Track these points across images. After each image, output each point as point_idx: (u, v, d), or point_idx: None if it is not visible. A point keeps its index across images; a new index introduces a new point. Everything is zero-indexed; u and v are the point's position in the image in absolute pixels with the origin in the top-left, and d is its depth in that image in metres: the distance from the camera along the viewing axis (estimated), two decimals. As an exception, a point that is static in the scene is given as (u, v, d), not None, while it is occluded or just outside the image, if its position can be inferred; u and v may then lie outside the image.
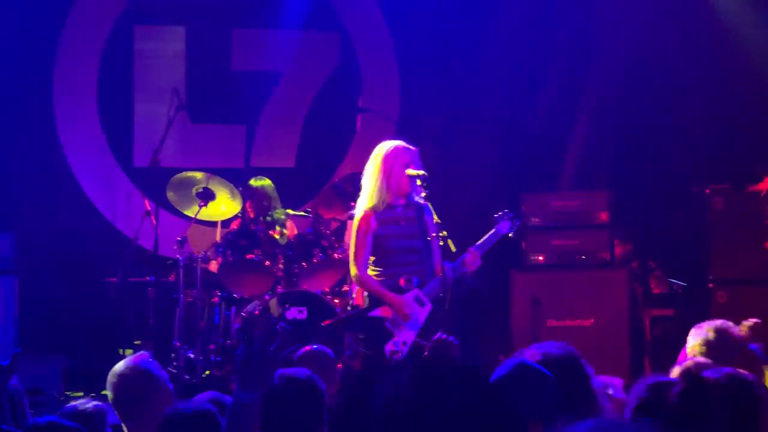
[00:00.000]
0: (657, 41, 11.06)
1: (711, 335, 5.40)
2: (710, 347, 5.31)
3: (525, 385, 3.47)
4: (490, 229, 7.50)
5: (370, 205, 7.36)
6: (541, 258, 9.76)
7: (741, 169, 10.60)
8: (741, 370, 4.06)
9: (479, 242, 7.42)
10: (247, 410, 3.56)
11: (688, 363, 4.28)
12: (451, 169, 10.93)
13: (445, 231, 7.29)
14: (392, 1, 11.87)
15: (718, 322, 5.55)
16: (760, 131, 10.75)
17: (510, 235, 7.59)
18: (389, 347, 7.16)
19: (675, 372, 4.26)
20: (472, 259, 7.31)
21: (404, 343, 7.15)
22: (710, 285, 9.68)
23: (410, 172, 7.28)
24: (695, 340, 5.43)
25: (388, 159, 7.31)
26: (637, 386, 3.80)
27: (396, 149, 7.33)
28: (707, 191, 9.88)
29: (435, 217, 7.31)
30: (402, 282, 7.27)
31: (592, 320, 9.39)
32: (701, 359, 4.73)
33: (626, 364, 9.12)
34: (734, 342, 5.43)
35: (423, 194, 7.30)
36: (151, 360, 4.84)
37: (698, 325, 5.57)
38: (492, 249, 7.50)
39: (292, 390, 4.04)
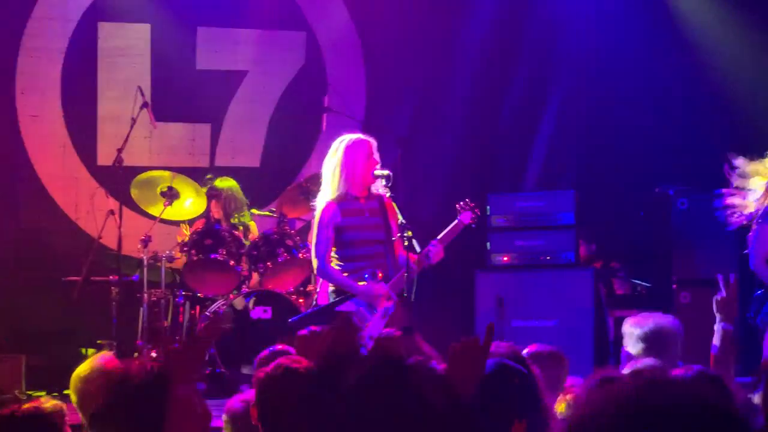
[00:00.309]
0: (622, 42, 11.10)
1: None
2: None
3: (506, 384, 3.46)
4: (453, 221, 7.52)
5: (333, 196, 7.35)
6: (505, 258, 9.78)
7: (705, 170, 10.65)
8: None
9: (441, 234, 7.44)
10: None
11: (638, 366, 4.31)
12: (416, 169, 10.94)
13: (410, 231, 7.28)
14: (360, 1, 11.85)
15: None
16: (724, 133, 10.80)
17: (472, 225, 7.62)
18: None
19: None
20: (436, 252, 7.32)
21: (371, 338, 7.14)
22: (674, 286, 9.73)
23: (377, 172, 7.29)
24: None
25: (351, 151, 7.32)
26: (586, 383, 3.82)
27: (358, 141, 7.36)
28: (671, 192, 9.93)
29: (399, 217, 7.30)
30: (366, 276, 7.27)
31: (556, 320, 9.41)
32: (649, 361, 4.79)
33: (590, 365, 9.14)
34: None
35: (388, 194, 7.30)
36: (115, 360, 4.81)
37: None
38: (455, 240, 7.52)
39: None
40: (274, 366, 4.02)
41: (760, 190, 7.80)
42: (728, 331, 5.38)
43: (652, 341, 5.56)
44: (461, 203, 7.66)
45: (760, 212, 7.88)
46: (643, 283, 10.41)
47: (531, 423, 3.37)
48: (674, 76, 11.03)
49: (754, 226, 7.85)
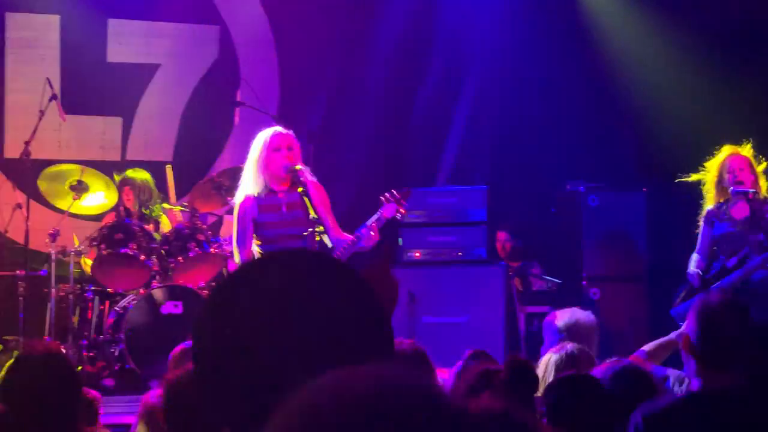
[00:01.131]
0: (534, 40, 11.18)
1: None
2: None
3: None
4: (374, 214, 7.46)
5: (249, 190, 7.33)
6: (417, 254, 9.79)
7: (615, 168, 10.78)
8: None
9: (373, 219, 7.36)
10: None
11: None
12: (329, 165, 10.91)
13: (321, 226, 7.27)
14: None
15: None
16: (635, 131, 10.94)
17: (397, 217, 7.56)
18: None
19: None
20: (368, 235, 7.25)
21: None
22: (584, 282, 9.83)
23: (296, 167, 7.24)
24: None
25: (260, 144, 7.30)
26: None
27: (268, 134, 7.33)
28: (582, 189, 10.02)
29: (311, 212, 7.25)
30: None
31: (467, 317, 9.45)
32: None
33: (500, 360, 9.19)
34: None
35: (299, 189, 7.25)
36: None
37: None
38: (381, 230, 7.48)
39: None
40: (184, 370, 3.95)
41: (709, 190, 8.22)
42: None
43: (572, 333, 5.71)
44: (387, 195, 7.53)
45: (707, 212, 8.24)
46: (554, 279, 10.50)
47: None
48: (587, 74, 11.13)
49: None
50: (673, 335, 5.51)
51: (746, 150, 8.20)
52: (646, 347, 5.50)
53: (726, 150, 8.22)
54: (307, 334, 2.00)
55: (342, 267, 2.17)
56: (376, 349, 2.06)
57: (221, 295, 2.12)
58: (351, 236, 7.31)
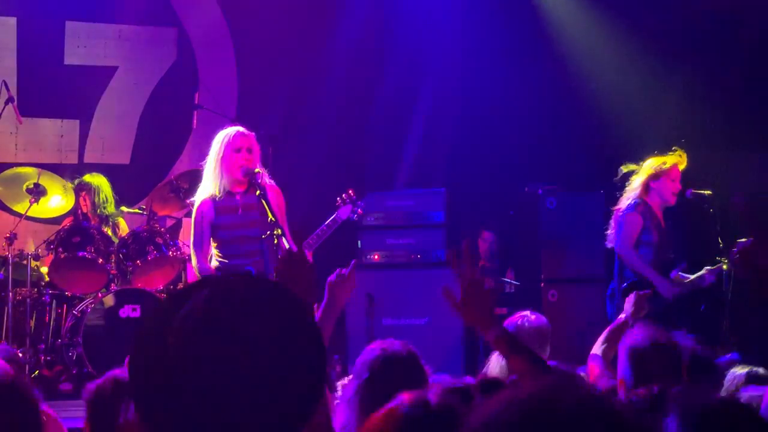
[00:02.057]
0: (491, 43, 11.23)
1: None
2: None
3: None
4: (330, 216, 7.47)
5: (207, 193, 7.32)
6: (376, 257, 9.80)
7: (573, 170, 10.84)
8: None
9: (311, 237, 7.40)
10: None
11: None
12: (288, 167, 10.90)
13: (279, 229, 7.27)
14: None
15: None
16: (592, 134, 11.01)
17: (353, 218, 7.58)
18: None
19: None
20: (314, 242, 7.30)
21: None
22: (541, 284, 9.87)
23: (254, 170, 7.23)
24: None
25: (219, 145, 7.29)
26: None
27: (226, 135, 7.32)
28: (540, 192, 10.07)
29: (270, 215, 7.24)
30: None
31: (426, 319, 9.46)
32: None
33: (460, 363, 9.23)
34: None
35: (257, 192, 7.24)
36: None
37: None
38: (330, 237, 7.49)
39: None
40: (104, 379, 3.84)
41: (636, 184, 8.31)
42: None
43: (519, 337, 5.70)
44: (343, 196, 7.58)
45: (629, 202, 8.33)
46: (512, 281, 10.55)
47: None
48: (544, 77, 11.19)
49: (620, 213, 8.31)
50: (615, 322, 5.53)
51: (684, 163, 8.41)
52: (597, 350, 5.49)
53: (674, 158, 8.38)
54: (240, 365, 1.96)
55: (274, 288, 2.10)
56: (311, 373, 2.02)
57: (150, 327, 2.06)
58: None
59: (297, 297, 2.09)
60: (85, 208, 9.97)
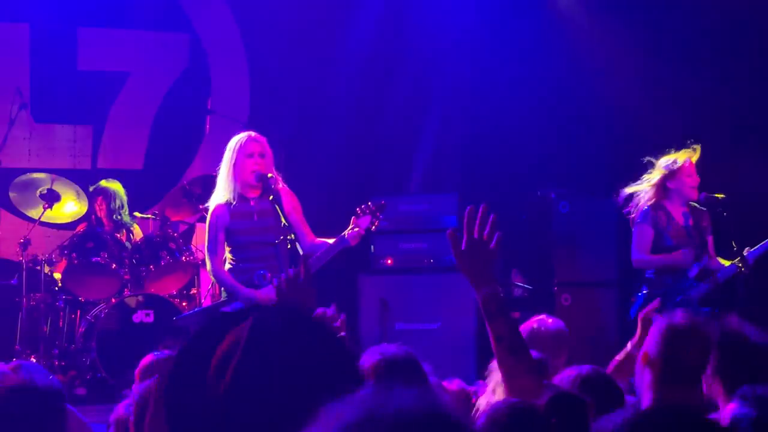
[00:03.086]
0: (505, 46, 11.22)
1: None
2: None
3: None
4: (349, 225, 7.35)
5: (222, 198, 7.34)
6: (389, 261, 9.80)
7: (586, 174, 10.82)
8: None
9: (320, 253, 7.27)
10: None
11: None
12: (300, 173, 10.91)
13: (292, 234, 7.28)
14: (244, 4, 11.80)
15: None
16: (605, 138, 10.99)
17: (372, 229, 7.47)
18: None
19: None
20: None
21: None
22: (554, 288, 9.85)
23: (267, 174, 7.24)
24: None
25: (232, 149, 7.32)
26: None
27: (238, 141, 7.34)
28: (553, 196, 10.05)
29: (282, 219, 7.26)
30: (255, 278, 7.26)
31: (439, 323, 9.46)
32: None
33: (473, 367, 9.22)
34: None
35: (270, 197, 7.26)
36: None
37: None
38: (341, 253, 7.44)
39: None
40: (154, 382, 3.88)
41: (650, 188, 8.25)
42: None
43: (535, 342, 5.68)
44: (362, 206, 7.44)
45: (640, 212, 8.28)
46: (525, 286, 10.53)
47: None
48: (557, 80, 11.17)
49: (633, 227, 8.29)
50: (628, 346, 5.46)
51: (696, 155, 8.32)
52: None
53: (685, 153, 8.30)
54: (281, 397, 1.95)
55: (309, 321, 2.10)
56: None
57: (190, 356, 2.05)
58: (324, 241, 7.32)
59: (334, 330, 2.09)
60: (101, 212, 9.99)
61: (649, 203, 8.32)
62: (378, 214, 7.41)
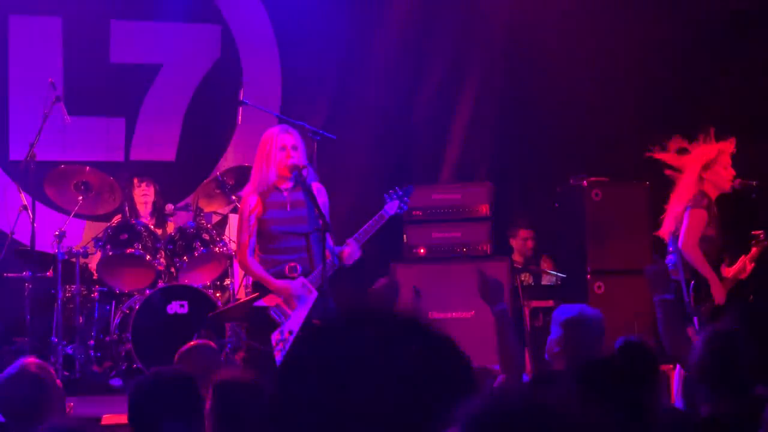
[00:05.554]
0: (536, 34, 11.20)
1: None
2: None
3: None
4: (378, 211, 7.51)
5: (255, 189, 7.38)
6: (422, 250, 9.82)
7: (619, 162, 10.79)
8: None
9: (359, 232, 7.44)
10: None
11: None
12: (332, 163, 10.93)
13: (327, 225, 7.32)
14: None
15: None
16: (638, 125, 10.95)
17: (400, 213, 7.62)
18: (275, 336, 7.15)
19: None
20: (350, 252, 7.34)
21: (290, 332, 7.14)
22: (588, 276, 9.84)
23: (300, 166, 7.29)
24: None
25: (266, 142, 7.37)
26: None
27: (272, 132, 7.38)
28: (585, 183, 10.03)
29: (317, 210, 7.29)
30: (286, 270, 7.28)
31: (473, 312, 9.46)
32: None
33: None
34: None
35: (303, 189, 7.31)
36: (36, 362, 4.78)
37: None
38: (377, 233, 7.52)
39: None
40: (235, 372, 3.95)
41: (688, 177, 8.15)
42: (668, 301, 5.45)
43: (571, 328, 5.70)
44: (390, 192, 7.66)
45: (695, 194, 8.16)
46: (558, 274, 10.52)
47: None
48: (589, 67, 11.15)
49: (686, 210, 8.14)
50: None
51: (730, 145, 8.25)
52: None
53: (721, 144, 8.23)
54: (394, 408, 1.89)
55: (426, 328, 2.03)
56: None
57: (296, 363, 1.98)
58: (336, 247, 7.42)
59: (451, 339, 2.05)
60: (148, 198, 10.03)
61: (700, 191, 8.19)
62: (405, 198, 7.56)
